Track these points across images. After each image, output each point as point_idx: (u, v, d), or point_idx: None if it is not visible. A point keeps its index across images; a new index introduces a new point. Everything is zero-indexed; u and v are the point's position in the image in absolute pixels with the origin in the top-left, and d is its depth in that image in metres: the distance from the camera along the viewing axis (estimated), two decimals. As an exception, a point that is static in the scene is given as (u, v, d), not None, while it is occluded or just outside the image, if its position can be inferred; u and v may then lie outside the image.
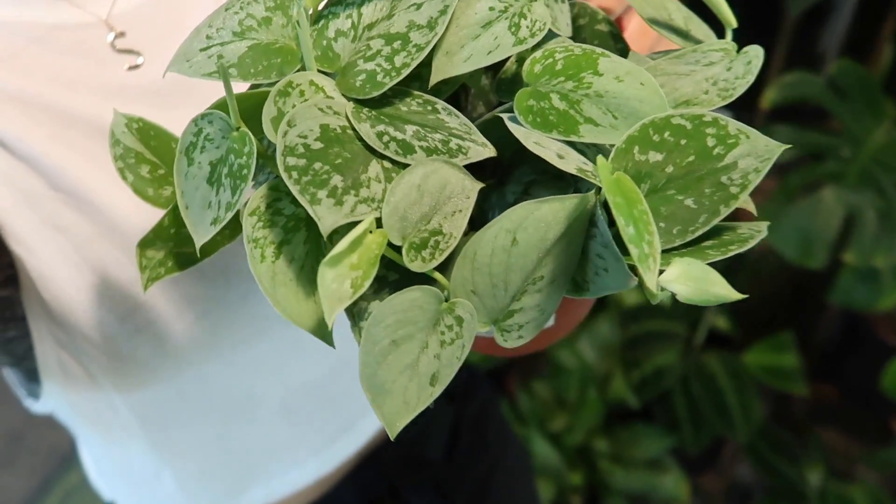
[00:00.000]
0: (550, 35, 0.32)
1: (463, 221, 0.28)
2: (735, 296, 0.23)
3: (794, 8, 1.24)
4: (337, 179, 0.25)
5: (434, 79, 0.29)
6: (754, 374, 1.24)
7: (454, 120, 0.29)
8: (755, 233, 0.27)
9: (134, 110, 0.34)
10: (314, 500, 0.57)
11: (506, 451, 0.72)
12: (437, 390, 0.27)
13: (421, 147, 0.27)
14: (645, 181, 0.26)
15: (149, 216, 0.39)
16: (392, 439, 0.26)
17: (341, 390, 0.56)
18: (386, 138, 0.27)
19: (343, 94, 0.28)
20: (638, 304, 1.31)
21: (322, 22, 0.29)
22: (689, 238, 0.26)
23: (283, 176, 0.24)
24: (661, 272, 0.25)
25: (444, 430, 0.65)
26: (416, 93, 0.29)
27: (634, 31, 0.39)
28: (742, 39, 0.30)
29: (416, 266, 0.26)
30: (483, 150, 0.28)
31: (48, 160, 0.41)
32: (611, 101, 0.27)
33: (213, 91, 0.29)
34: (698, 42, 0.32)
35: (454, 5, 0.28)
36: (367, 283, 0.23)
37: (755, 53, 0.30)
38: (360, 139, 0.27)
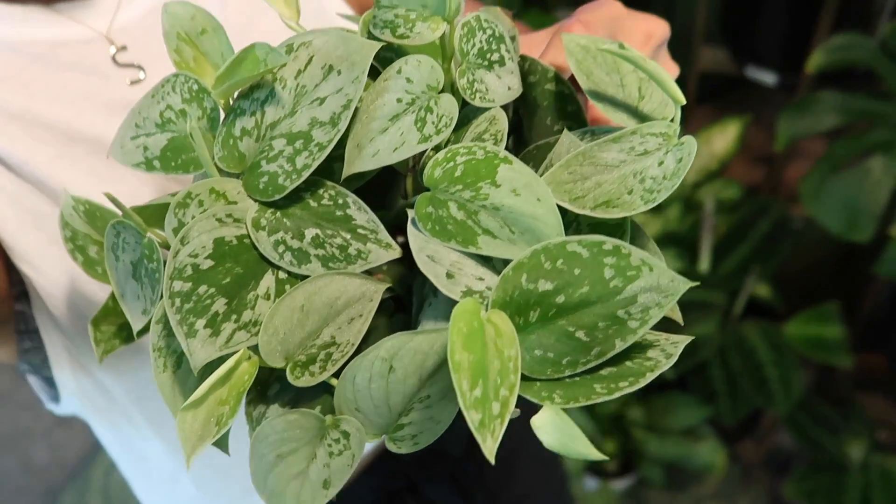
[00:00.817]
0: (475, 111, 0.30)
1: (363, 326, 0.27)
2: (596, 455, 0.22)
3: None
4: (219, 304, 0.25)
5: (346, 172, 0.28)
6: (796, 346, 1.16)
7: (362, 216, 0.28)
8: (662, 359, 0.25)
9: None
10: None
11: (529, 439, 0.72)
12: (332, 492, 0.27)
13: (317, 256, 0.27)
14: (534, 309, 0.24)
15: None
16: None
17: None
18: (282, 248, 0.27)
19: (249, 196, 0.28)
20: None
21: (231, 117, 0.28)
22: (580, 370, 0.25)
23: (166, 304, 0.25)
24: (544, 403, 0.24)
25: (467, 430, 0.66)
26: (328, 183, 0.28)
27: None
28: None
29: (302, 382, 0.26)
30: (386, 252, 0.27)
31: (54, 181, 0.42)
32: (507, 215, 0.25)
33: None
34: (645, 118, 0.29)
35: (357, 100, 0.27)
36: (233, 420, 0.24)
37: (688, 150, 0.26)
38: (257, 248, 0.27)
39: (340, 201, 0.28)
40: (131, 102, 0.44)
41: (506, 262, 0.25)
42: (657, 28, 0.36)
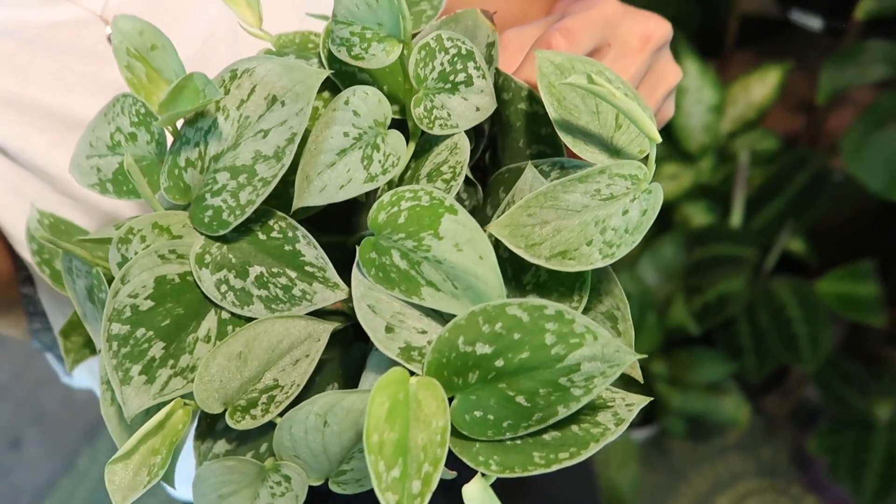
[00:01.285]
0: (437, 137, 0.28)
1: (310, 367, 0.27)
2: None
3: None
4: (157, 348, 0.25)
5: (295, 205, 0.26)
6: (828, 303, 1.10)
7: (311, 252, 0.26)
8: (612, 427, 0.23)
9: None
10: None
11: None
12: (280, 526, 0.27)
13: (260, 297, 0.26)
14: (473, 371, 0.23)
15: None
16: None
17: None
18: (224, 288, 0.26)
19: (195, 228, 0.27)
20: (705, 225, 1.18)
21: (177, 146, 0.27)
22: (522, 433, 0.23)
23: (103, 346, 0.25)
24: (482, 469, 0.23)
25: None
26: (279, 214, 0.27)
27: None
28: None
29: (243, 426, 0.26)
30: (333, 293, 0.26)
31: (52, 168, 0.41)
32: (449, 269, 0.23)
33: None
34: (619, 152, 0.26)
35: (301, 133, 0.25)
36: (165, 470, 0.24)
37: (654, 201, 0.23)
38: (200, 287, 0.26)
39: (290, 234, 0.27)
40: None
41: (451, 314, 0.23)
42: (657, 29, 0.32)
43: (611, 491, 1.11)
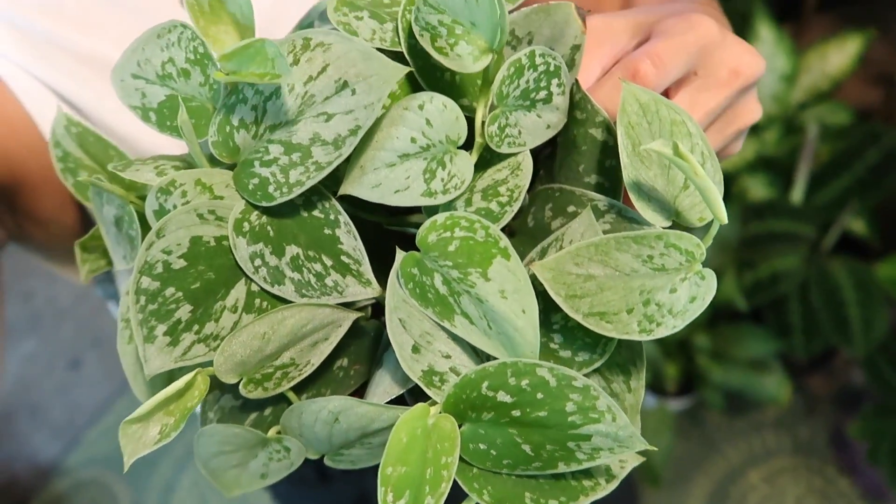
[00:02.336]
0: (500, 154, 0.26)
1: (327, 349, 0.27)
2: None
3: None
4: (184, 311, 0.25)
5: (343, 190, 0.25)
6: (885, 288, 1.07)
7: (350, 242, 0.26)
8: (608, 480, 0.25)
9: None
10: None
11: None
12: (270, 481, 0.29)
13: (292, 280, 0.25)
14: (489, 411, 0.24)
15: None
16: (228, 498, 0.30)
17: None
18: (258, 262, 0.25)
19: (237, 191, 0.26)
20: (764, 199, 1.15)
21: (232, 101, 0.25)
22: (518, 473, 0.24)
23: (131, 300, 0.24)
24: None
25: None
26: (325, 194, 0.26)
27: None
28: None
29: (255, 395, 0.26)
30: (364, 290, 0.26)
31: (120, 129, 0.40)
32: (488, 311, 0.23)
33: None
34: (679, 215, 0.25)
35: (367, 128, 0.23)
36: (177, 432, 0.24)
37: (705, 290, 0.23)
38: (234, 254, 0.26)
39: (332, 217, 0.26)
40: None
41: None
42: (750, 66, 0.30)
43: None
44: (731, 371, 1.15)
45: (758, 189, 1.16)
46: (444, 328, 0.24)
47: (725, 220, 0.24)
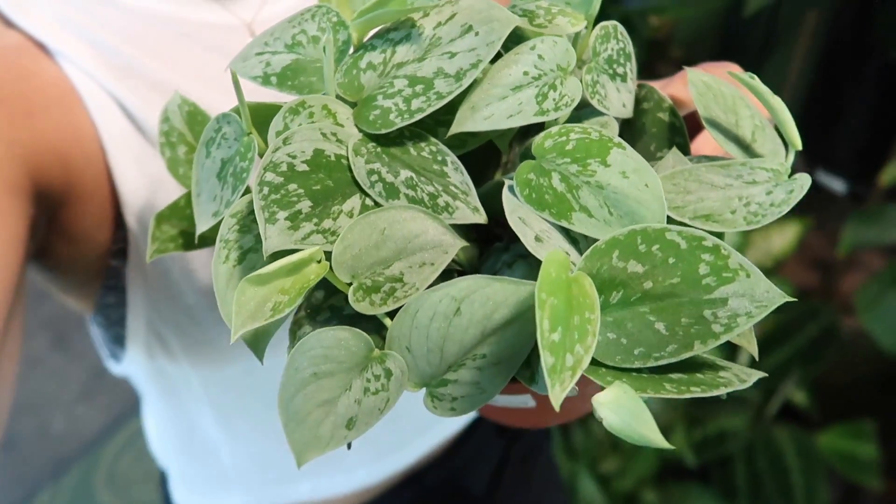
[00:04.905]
0: (592, 113, 0.30)
1: (432, 275, 0.26)
2: (662, 443, 0.20)
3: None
4: (305, 205, 0.25)
5: (454, 129, 0.28)
6: (827, 458, 1.09)
7: (457, 176, 0.27)
8: (736, 381, 0.23)
9: None
10: None
11: (548, 494, 0.69)
12: (353, 435, 0.26)
13: (406, 196, 0.26)
14: (618, 289, 0.23)
15: None
16: (298, 468, 0.26)
17: (399, 409, 0.56)
18: (375, 178, 0.26)
19: (356, 125, 0.28)
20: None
21: (360, 52, 0.29)
22: (651, 364, 0.23)
23: (254, 189, 0.25)
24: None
25: (490, 465, 0.63)
26: (432, 140, 0.28)
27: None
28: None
29: (361, 307, 0.25)
30: (472, 214, 0.27)
31: None
32: (610, 194, 0.25)
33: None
34: (756, 156, 0.29)
35: (487, 61, 0.27)
36: (289, 311, 0.23)
37: (801, 183, 0.26)
38: (351, 171, 0.27)
39: (440, 158, 0.28)
40: (258, 91, 0.45)
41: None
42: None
43: None
44: (678, 532, 1.10)
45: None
46: (559, 229, 0.25)
47: (799, 145, 0.27)
